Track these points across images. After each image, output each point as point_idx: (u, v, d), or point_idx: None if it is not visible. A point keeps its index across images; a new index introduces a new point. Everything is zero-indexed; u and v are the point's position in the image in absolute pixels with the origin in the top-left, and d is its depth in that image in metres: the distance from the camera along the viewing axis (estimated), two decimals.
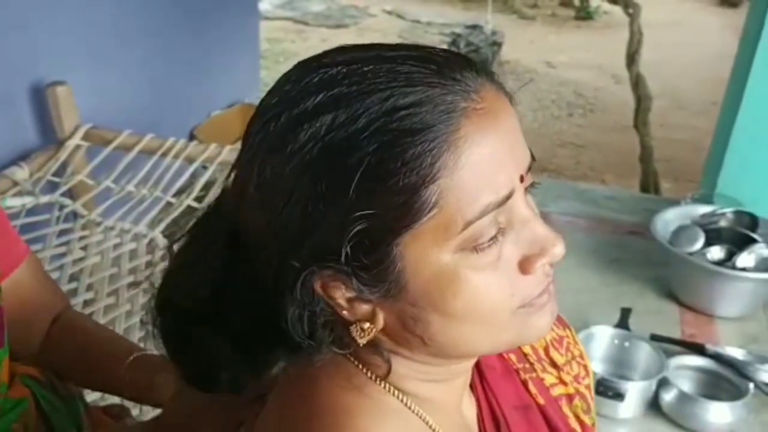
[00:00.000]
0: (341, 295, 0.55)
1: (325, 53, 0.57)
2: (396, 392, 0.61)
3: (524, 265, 0.56)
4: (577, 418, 0.76)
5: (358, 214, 0.51)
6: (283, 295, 0.55)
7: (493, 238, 0.53)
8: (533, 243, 0.56)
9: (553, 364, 0.77)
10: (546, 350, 0.77)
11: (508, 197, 0.53)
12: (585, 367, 0.80)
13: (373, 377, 0.60)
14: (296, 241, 0.53)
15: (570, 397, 0.76)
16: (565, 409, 0.75)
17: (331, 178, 0.51)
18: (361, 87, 0.52)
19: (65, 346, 0.96)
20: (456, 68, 0.54)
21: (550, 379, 0.76)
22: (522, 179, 0.55)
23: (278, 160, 0.53)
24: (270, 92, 0.57)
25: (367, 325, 0.56)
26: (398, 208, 0.51)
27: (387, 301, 0.55)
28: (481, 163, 0.52)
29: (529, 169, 0.56)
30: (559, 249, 0.56)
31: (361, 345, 0.57)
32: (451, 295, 0.54)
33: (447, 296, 0.54)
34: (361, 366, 0.60)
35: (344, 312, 0.56)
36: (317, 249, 0.53)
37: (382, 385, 0.60)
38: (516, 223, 0.55)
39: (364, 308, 0.56)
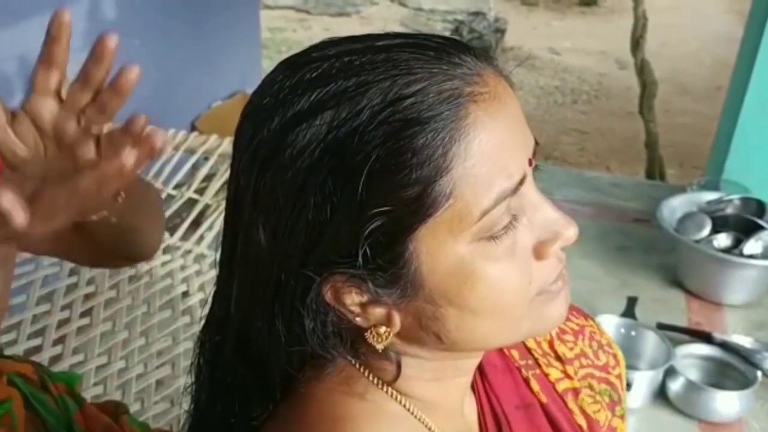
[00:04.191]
0: (353, 301, 0.53)
1: (312, 48, 0.54)
2: (399, 397, 0.59)
3: (539, 251, 0.54)
4: (583, 412, 0.74)
5: (372, 212, 0.49)
6: (285, 311, 0.53)
7: (508, 226, 0.52)
8: (546, 227, 0.54)
9: (558, 358, 0.75)
10: (551, 344, 0.76)
11: (521, 182, 0.52)
12: (614, 356, 0.78)
13: (376, 382, 0.58)
14: (305, 249, 0.51)
15: (576, 392, 0.74)
16: (571, 405, 0.73)
17: (339, 178, 0.49)
18: (359, 79, 0.50)
19: None
20: (454, 52, 0.52)
21: (555, 373, 0.74)
22: (531, 163, 0.54)
23: (278, 165, 0.51)
24: (257, 94, 0.54)
25: (383, 329, 0.54)
26: (412, 201, 0.49)
27: (403, 301, 0.53)
28: (492, 150, 0.50)
29: (535, 152, 0.55)
30: (572, 232, 0.55)
31: (379, 350, 0.55)
32: (469, 289, 0.52)
33: (464, 290, 0.52)
34: (365, 371, 0.58)
35: (358, 318, 0.54)
36: (329, 254, 0.51)
37: (385, 390, 0.59)
38: (528, 209, 0.53)
39: (379, 312, 0.54)
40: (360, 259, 0.50)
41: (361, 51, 0.52)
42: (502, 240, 0.52)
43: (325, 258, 0.51)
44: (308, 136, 0.49)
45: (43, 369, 0.94)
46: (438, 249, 0.51)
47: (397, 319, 0.54)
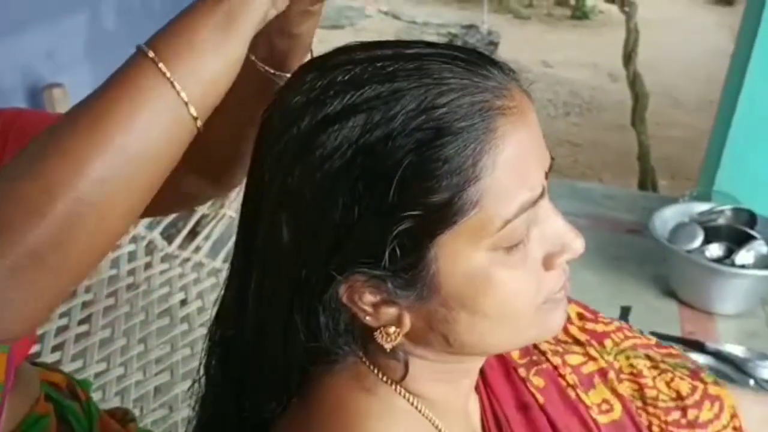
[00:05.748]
0: (367, 300, 0.54)
1: (338, 51, 0.56)
2: (406, 394, 0.60)
3: (548, 261, 0.56)
4: (614, 392, 0.73)
5: (400, 215, 0.50)
6: (303, 306, 0.55)
7: (523, 236, 0.53)
8: (556, 239, 0.56)
9: (577, 342, 0.75)
10: (566, 330, 0.76)
11: (542, 194, 0.54)
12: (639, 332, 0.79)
13: (385, 379, 0.60)
14: (329, 249, 0.52)
15: (603, 372, 0.74)
16: (599, 388, 0.73)
17: (370, 180, 0.50)
18: (393, 86, 0.51)
19: None
20: (482, 64, 0.53)
21: (576, 358, 0.74)
22: (546, 176, 0.55)
23: (306, 165, 0.51)
24: (285, 91, 0.55)
25: (393, 329, 0.55)
26: (440, 208, 0.50)
27: (417, 303, 0.54)
28: (517, 162, 0.52)
29: (551, 167, 0.57)
30: (579, 244, 0.57)
31: (387, 350, 0.56)
32: (483, 295, 0.54)
33: (479, 296, 0.54)
34: (374, 368, 0.60)
35: (368, 318, 0.55)
36: (353, 255, 0.52)
37: (393, 387, 0.60)
38: (540, 220, 0.55)
39: (390, 312, 0.55)
40: (386, 260, 0.51)
41: (391, 57, 0.53)
42: (517, 249, 0.53)
43: (349, 258, 0.52)
44: (339, 138, 0.50)
45: (69, 376, 0.96)
46: (458, 255, 0.52)
47: (407, 320, 0.55)
